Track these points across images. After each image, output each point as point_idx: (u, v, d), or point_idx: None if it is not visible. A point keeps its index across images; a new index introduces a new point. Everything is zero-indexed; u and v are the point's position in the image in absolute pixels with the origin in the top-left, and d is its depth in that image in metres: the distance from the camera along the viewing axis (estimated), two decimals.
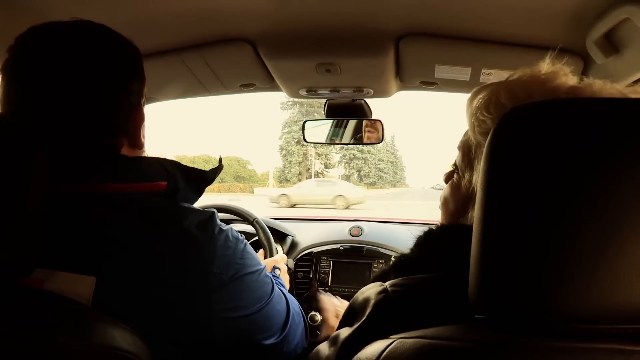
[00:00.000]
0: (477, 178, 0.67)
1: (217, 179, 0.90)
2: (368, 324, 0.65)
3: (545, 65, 0.67)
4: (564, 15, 1.10)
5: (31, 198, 0.66)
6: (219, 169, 0.89)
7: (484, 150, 0.52)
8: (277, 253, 1.78)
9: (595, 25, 1.07)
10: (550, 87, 0.63)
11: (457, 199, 0.75)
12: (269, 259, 1.59)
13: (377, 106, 1.79)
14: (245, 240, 0.86)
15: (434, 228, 0.75)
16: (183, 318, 0.75)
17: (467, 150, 0.73)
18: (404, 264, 0.74)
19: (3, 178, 0.64)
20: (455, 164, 0.78)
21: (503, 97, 0.65)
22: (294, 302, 1.04)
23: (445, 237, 0.73)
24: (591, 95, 0.62)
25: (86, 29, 0.79)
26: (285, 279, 1.45)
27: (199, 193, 0.86)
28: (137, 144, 0.84)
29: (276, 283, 0.96)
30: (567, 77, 0.64)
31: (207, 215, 0.80)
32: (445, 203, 0.79)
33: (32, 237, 0.66)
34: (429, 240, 0.74)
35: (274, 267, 1.42)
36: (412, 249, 0.76)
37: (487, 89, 0.69)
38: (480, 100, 0.68)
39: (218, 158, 0.90)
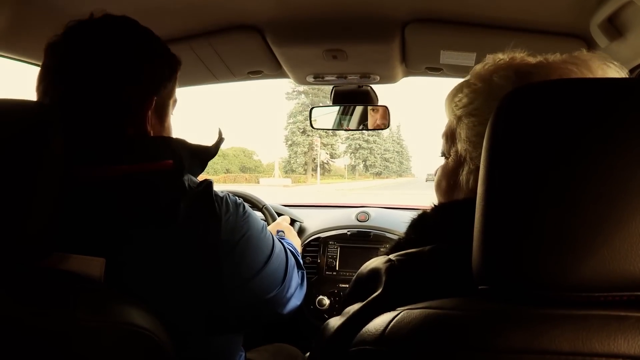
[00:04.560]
0: (462, 144, 0.75)
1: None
2: (385, 294, 0.67)
3: (505, 55, 0.76)
4: None
5: (49, 181, 0.68)
6: (220, 141, 0.91)
7: (487, 127, 0.54)
8: None
9: (598, 8, 1.07)
10: (510, 65, 0.73)
11: (449, 176, 0.80)
12: (271, 225, 1.60)
13: (383, 95, 1.80)
14: (244, 202, 0.89)
15: (428, 211, 0.79)
16: (196, 291, 0.77)
17: (450, 132, 0.80)
18: (401, 246, 0.77)
19: (23, 161, 0.67)
20: (442, 152, 0.84)
21: (472, 79, 0.76)
22: (290, 244, 1.09)
23: (437, 216, 0.77)
24: (546, 67, 0.70)
25: (112, 24, 0.84)
26: (293, 240, 1.41)
27: (202, 166, 0.89)
28: (144, 132, 0.85)
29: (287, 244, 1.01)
30: (524, 58, 0.74)
31: (207, 188, 0.82)
32: (438, 184, 0.84)
33: (50, 219, 0.68)
34: (423, 221, 0.78)
35: (278, 231, 1.45)
36: (406, 231, 0.80)
37: (459, 83, 0.81)
38: (455, 89, 0.80)
39: (218, 131, 0.93)
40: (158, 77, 0.87)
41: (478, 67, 0.78)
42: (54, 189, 0.69)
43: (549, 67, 0.70)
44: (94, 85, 0.79)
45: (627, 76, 0.70)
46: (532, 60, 0.73)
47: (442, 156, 0.84)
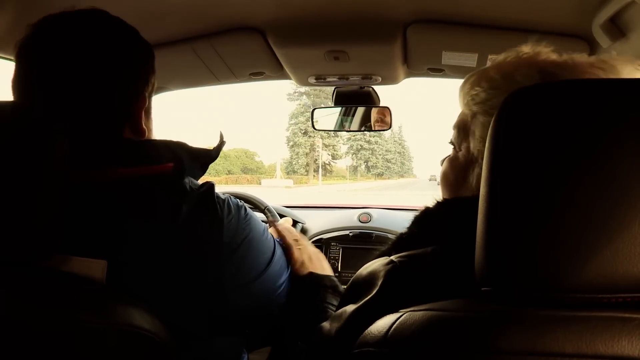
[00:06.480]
0: (475, 143, 0.73)
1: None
2: (380, 296, 0.66)
3: (529, 47, 0.73)
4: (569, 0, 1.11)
5: (53, 181, 0.68)
6: (221, 145, 0.91)
7: (490, 128, 0.54)
8: None
9: (600, 9, 1.07)
10: (533, 62, 0.70)
11: (457, 170, 0.79)
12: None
13: (384, 96, 1.81)
14: (245, 204, 0.88)
15: (431, 206, 0.78)
16: (197, 293, 0.77)
17: (462, 125, 0.78)
18: (403, 241, 0.76)
19: (26, 164, 0.67)
20: (451, 142, 0.81)
21: (492, 72, 0.72)
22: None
23: (441, 212, 0.76)
24: (572, 68, 0.67)
25: (94, 18, 0.80)
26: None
27: (203, 169, 0.88)
28: (140, 131, 0.85)
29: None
30: (549, 54, 0.71)
31: (209, 190, 0.82)
32: (445, 177, 0.82)
33: (54, 219, 0.68)
34: (426, 216, 0.77)
35: None
36: (409, 226, 0.78)
37: (476, 72, 0.76)
38: (472, 79, 0.76)
39: (219, 135, 0.92)
40: (145, 72, 0.85)
41: (500, 57, 0.74)
42: (58, 189, 0.69)
43: (575, 69, 0.67)
44: (83, 88, 0.77)
45: None
46: (557, 58, 0.70)
47: (450, 144, 0.82)
